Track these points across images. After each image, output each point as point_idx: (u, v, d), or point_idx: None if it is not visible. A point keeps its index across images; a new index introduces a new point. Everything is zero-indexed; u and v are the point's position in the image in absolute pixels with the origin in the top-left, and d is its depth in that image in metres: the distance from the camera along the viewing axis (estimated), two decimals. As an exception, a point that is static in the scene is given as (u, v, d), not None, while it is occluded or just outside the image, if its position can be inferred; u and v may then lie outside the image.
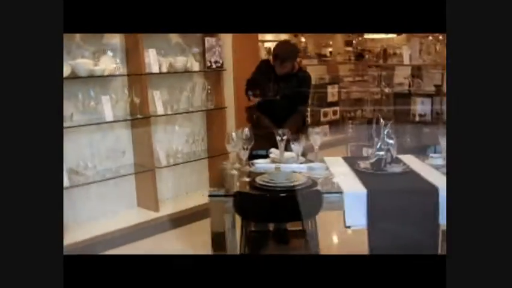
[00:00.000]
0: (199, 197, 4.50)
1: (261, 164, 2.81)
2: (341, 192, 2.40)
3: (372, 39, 12.60)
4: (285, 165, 2.67)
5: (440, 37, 4.66)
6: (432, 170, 2.77)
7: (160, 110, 4.06)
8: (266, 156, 3.00)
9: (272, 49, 3.77)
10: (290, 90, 3.63)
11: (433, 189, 2.41)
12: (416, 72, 5.31)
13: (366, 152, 5.24)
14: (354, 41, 12.79)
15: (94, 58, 3.70)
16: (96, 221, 3.89)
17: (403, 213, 2.40)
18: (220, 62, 4.44)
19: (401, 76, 5.42)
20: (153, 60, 3.97)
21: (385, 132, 2.81)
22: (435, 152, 3.12)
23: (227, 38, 4.51)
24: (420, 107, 4.98)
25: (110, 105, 3.73)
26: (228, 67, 4.52)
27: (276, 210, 2.28)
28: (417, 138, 4.65)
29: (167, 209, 4.16)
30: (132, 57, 3.94)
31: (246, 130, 2.85)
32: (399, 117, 5.14)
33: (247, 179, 2.63)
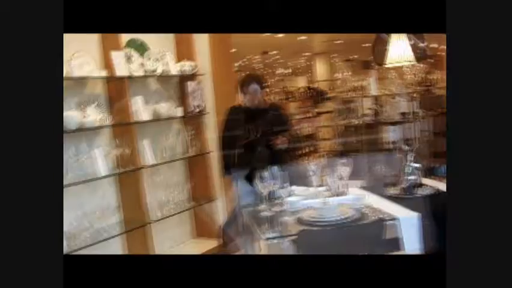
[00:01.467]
0: (189, 248, 4.34)
1: (298, 201, 2.73)
2: (395, 219, 2.39)
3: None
4: (333, 199, 2.61)
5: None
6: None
7: (151, 160, 3.85)
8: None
9: (241, 85, 3.76)
10: (267, 126, 3.64)
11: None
12: (379, 102, 5.55)
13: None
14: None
15: (79, 109, 3.46)
16: None
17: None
18: (203, 105, 4.35)
19: (364, 107, 5.63)
20: (142, 107, 3.80)
21: (411, 158, 2.88)
22: (444, 172, 3.23)
23: (206, 82, 4.44)
24: (391, 134, 5.17)
25: (102, 159, 3.48)
26: (209, 110, 4.43)
27: (346, 245, 2.21)
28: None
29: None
30: (117, 106, 3.74)
31: (275, 168, 2.79)
32: (371, 146, 5.30)
33: (289, 218, 2.54)
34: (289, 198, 2.80)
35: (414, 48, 3.20)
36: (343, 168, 2.83)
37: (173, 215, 4.10)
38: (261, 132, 3.62)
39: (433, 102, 5.73)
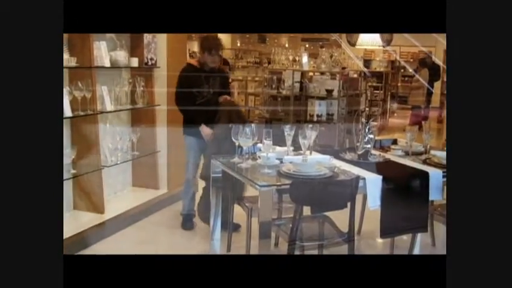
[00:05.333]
0: (135, 196, 4.44)
1: (272, 156, 3.02)
2: (363, 178, 2.81)
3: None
4: (310, 157, 2.96)
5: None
6: (400, 159, 3.36)
7: (109, 106, 3.87)
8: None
9: (201, 43, 3.90)
10: (218, 85, 3.89)
11: (425, 173, 2.98)
12: (307, 77, 6.00)
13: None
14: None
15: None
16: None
17: (408, 193, 2.93)
18: (155, 59, 4.41)
19: (290, 80, 6.03)
20: (104, 53, 3.78)
21: (367, 129, 3.33)
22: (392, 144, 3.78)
23: (161, 36, 4.48)
24: (318, 108, 5.66)
25: (67, 100, 3.45)
26: (161, 65, 4.49)
27: (337, 196, 2.59)
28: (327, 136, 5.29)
29: (111, 210, 3.98)
30: (79, 49, 3.68)
31: (253, 125, 3.06)
32: (297, 117, 5.75)
33: (269, 171, 2.84)
34: (263, 154, 3.09)
35: (382, 35, 3.62)
36: (311, 132, 3.20)
37: (125, 161, 4.18)
38: (212, 93, 3.85)
39: (350, 84, 6.33)
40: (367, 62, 13.50)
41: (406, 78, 13.36)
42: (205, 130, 3.79)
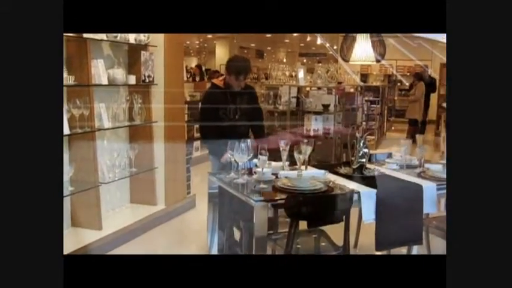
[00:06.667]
0: (133, 213, 4.46)
1: (267, 172, 3.05)
2: (358, 192, 2.84)
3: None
4: (306, 172, 2.99)
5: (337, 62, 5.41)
6: (395, 173, 3.39)
7: (107, 123, 3.91)
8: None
9: (228, 64, 3.85)
10: (245, 106, 3.91)
11: (419, 186, 3.02)
12: (303, 92, 6.05)
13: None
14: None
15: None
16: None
17: (403, 206, 2.96)
18: (152, 76, 4.46)
19: (286, 95, 6.09)
20: (102, 71, 3.83)
21: (361, 143, 3.36)
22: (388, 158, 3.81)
23: (158, 53, 4.54)
24: (314, 123, 5.70)
25: (65, 117, 3.49)
26: (159, 81, 4.55)
27: (332, 211, 2.61)
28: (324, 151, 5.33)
29: (109, 226, 4.00)
30: (77, 67, 3.73)
31: (249, 141, 3.09)
32: (294, 132, 5.79)
33: (265, 186, 2.87)
34: (259, 169, 3.12)
35: (375, 50, 3.67)
36: (306, 146, 3.23)
37: (122, 178, 4.21)
38: (239, 113, 3.82)
39: (346, 99, 6.39)
40: (364, 77, 13.63)
41: (403, 92, 13.45)
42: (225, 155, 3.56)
